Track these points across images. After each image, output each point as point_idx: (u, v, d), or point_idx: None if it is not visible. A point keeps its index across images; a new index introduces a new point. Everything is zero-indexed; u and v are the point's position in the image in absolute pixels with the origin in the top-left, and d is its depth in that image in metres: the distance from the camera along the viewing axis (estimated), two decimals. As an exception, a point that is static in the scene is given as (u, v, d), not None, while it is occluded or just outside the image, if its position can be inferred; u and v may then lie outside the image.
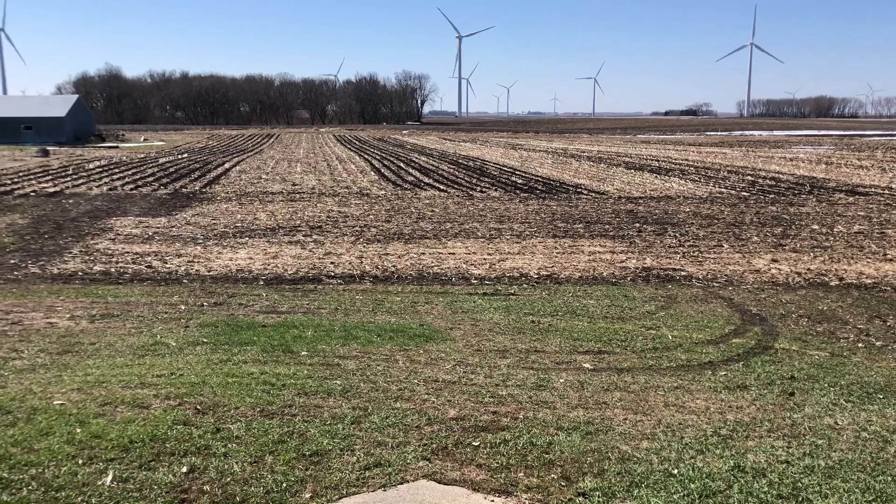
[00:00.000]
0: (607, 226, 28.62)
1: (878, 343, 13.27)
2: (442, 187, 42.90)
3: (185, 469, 6.74)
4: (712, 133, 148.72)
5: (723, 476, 6.84)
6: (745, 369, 11.04)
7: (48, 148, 74.69)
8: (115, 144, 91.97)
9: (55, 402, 8.41)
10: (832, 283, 18.96)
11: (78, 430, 7.53)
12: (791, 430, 8.22)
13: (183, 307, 15.30)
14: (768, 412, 8.86)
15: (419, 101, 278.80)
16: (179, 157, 69.31)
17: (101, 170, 53.31)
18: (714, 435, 7.97)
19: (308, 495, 6.35)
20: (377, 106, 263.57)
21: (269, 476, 6.67)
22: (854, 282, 19.12)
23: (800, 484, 6.71)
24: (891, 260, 22.11)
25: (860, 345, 13.13)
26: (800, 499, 6.44)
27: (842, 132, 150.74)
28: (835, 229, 27.97)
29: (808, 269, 20.77)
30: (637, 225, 28.86)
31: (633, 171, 54.57)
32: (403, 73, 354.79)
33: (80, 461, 6.85)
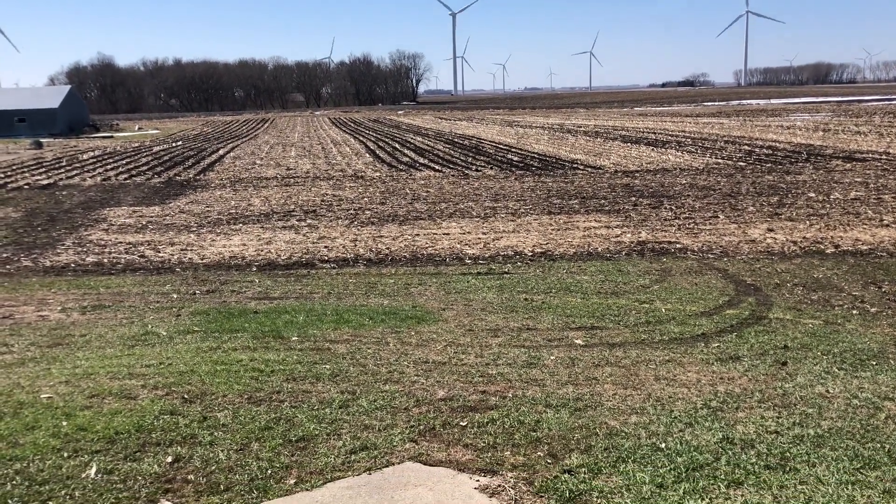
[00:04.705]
0: (603, 201, 28.49)
1: (872, 309, 13.20)
2: (437, 167, 42.71)
3: (169, 459, 6.71)
4: (709, 103, 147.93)
5: (710, 449, 6.79)
6: (738, 340, 10.98)
7: (42, 140, 74.44)
8: (109, 134, 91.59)
9: (42, 396, 8.37)
10: (828, 251, 18.88)
11: (64, 423, 7.50)
12: (782, 399, 8.17)
13: (175, 296, 15.25)
14: (760, 383, 8.82)
15: (414, 81, 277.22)
16: (174, 144, 69.02)
17: (94, 160, 53.10)
18: (704, 407, 7.92)
19: (293, 481, 6.32)
20: (372, 87, 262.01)
21: (254, 463, 6.63)
22: (850, 248, 19.04)
23: (788, 454, 6.67)
24: (887, 225, 22.01)
25: (854, 312, 13.06)
26: (787, 468, 6.39)
27: (840, 98, 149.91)
28: (831, 196, 27.84)
29: (804, 237, 20.67)
30: (633, 199, 28.73)
31: (629, 144, 54.31)
32: (397, 53, 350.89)
33: (66, 454, 6.82)
